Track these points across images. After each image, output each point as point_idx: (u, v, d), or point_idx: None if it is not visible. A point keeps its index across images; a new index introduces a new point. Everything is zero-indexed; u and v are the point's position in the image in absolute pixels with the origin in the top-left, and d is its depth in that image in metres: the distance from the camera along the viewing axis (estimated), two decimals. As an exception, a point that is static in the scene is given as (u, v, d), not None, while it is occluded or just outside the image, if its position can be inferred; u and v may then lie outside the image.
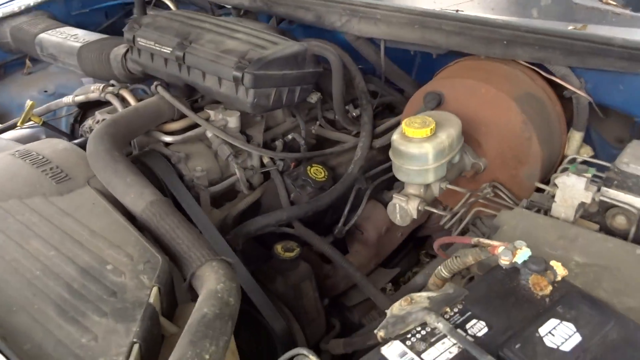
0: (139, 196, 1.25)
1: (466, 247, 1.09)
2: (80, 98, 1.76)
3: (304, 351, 0.80)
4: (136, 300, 0.97)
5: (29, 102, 1.78)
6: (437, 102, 1.50)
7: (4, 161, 1.37)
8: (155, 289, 1.00)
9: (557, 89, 1.51)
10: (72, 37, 2.19)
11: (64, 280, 1.01)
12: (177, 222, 1.19)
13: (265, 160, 1.65)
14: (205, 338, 0.87)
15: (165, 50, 1.61)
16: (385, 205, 1.88)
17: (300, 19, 1.78)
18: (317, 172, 1.64)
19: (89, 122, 1.68)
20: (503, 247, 0.94)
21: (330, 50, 1.56)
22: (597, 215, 1.23)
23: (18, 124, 1.76)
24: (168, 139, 1.52)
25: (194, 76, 1.59)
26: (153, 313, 0.97)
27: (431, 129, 1.28)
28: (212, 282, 1.03)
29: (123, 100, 1.65)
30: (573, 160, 1.36)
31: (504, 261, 0.92)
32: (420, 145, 1.28)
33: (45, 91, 2.38)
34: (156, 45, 1.63)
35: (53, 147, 1.44)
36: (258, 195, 1.62)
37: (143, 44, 1.67)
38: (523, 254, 0.92)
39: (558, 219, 1.22)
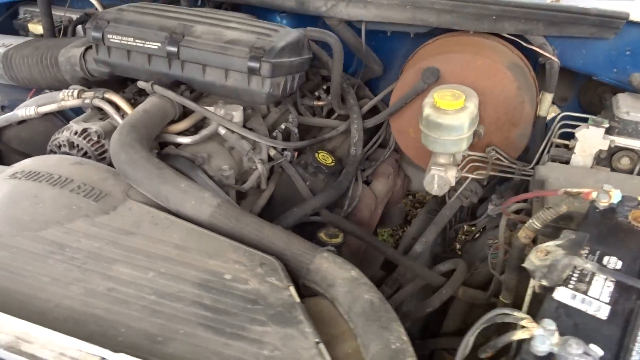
0: (201, 201, 1.15)
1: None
2: (48, 108, 1.53)
3: (507, 310, 0.84)
4: (283, 302, 0.92)
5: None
6: (436, 77, 1.60)
7: (11, 185, 1.16)
8: (292, 288, 0.96)
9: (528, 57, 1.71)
10: (-19, 41, 1.87)
11: (190, 300, 0.92)
12: (258, 221, 1.13)
13: (272, 152, 1.60)
14: (392, 321, 0.87)
15: (150, 46, 1.47)
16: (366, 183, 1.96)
17: (280, 6, 1.74)
18: (325, 158, 1.64)
19: (64, 134, 1.46)
20: (597, 192, 1.06)
21: (330, 34, 1.56)
22: (604, 160, 1.44)
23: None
24: (185, 140, 1.41)
25: (189, 71, 1.48)
26: (305, 311, 0.92)
27: (463, 100, 1.37)
28: (338, 271, 1.02)
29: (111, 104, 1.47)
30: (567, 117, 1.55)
31: (603, 203, 1.05)
32: (457, 116, 1.37)
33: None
34: (136, 41, 1.49)
35: (60, 163, 1.26)
36: (273, 189, 1.57)
37: (117, 41, 1.50)
38: (617, 194, 1.06)
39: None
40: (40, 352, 0.77)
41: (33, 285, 0.93)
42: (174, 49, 1.45)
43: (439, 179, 1.43)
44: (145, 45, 1.48)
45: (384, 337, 0.83)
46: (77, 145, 1.46)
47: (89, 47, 1.63)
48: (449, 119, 1.37)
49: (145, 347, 0.82)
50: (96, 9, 2.11)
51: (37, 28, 2.25)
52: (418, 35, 1.76)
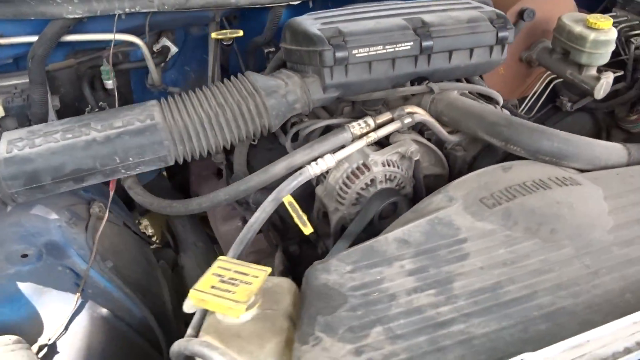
0: (612, 148, 1.30)
1: None
2: (349, 150, 1.27)
3: None
4: None
5: (287, 200, 1.17)
6: (534, 15, 1.94)
7: (528, 201, 1.09)
8: None
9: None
10: (79, 129, 1.31)
11: None
12: None
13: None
14: None
15: (402, 48, 1.39)
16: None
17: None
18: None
19: (377, 169, 1.28)
20: None
21: (488, 1, 1.70)
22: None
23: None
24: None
25: (435, 63, 1.45)
26: None
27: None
28: None
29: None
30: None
31: None
32: (612, 31, 1.77)
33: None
34: (386, 47, 1.37)
35: (499, 177, 1.19)
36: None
37: (364, 54, 1.36)
38: None
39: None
40: None
41: None
42: (430, 43, 1.40)
43: (607, 84, 1.82)
44: (396, 49, 1.38)
45: None
46: (392, 176, 1.32)
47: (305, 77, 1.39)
48: (610, 35, 1.76)
49: None
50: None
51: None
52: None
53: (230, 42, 1.72)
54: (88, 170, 1.27)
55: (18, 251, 1.32)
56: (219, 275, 0.88)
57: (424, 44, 1.39)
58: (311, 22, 1.41)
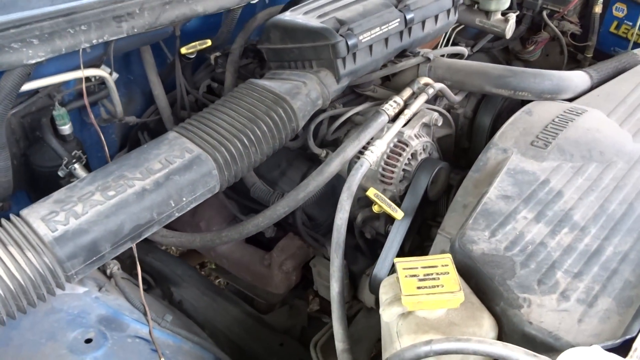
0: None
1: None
2: (392, 133, 1.32)
3: None
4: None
5: (372, 192, 1.18)
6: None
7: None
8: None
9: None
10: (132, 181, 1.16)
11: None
12: None
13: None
14: None
15: (393, 26, 1.46)
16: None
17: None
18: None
19: (416, 142, 1.35)
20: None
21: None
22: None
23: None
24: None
25: (414, 34, 1.55)
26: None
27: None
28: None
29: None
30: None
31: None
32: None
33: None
34: (383, 27, 1.44)
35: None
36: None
37: (367, 38, 1.41)
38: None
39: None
40: None
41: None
42: (412, 16, 1.49)
43: (513, 24, 2.09)
44: (390, 27, 1.45)
45: None
46: (425, 146, 1.42)
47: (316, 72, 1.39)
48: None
49: None
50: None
51: None
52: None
53: (194, 55, 1.61)
54: (146, 223, 1.14)
55: (77, 338, 1.16)
56: (413, 276, 0.90)
57: (408, 17, 1.48)
58: (305, 17, 1.40)
